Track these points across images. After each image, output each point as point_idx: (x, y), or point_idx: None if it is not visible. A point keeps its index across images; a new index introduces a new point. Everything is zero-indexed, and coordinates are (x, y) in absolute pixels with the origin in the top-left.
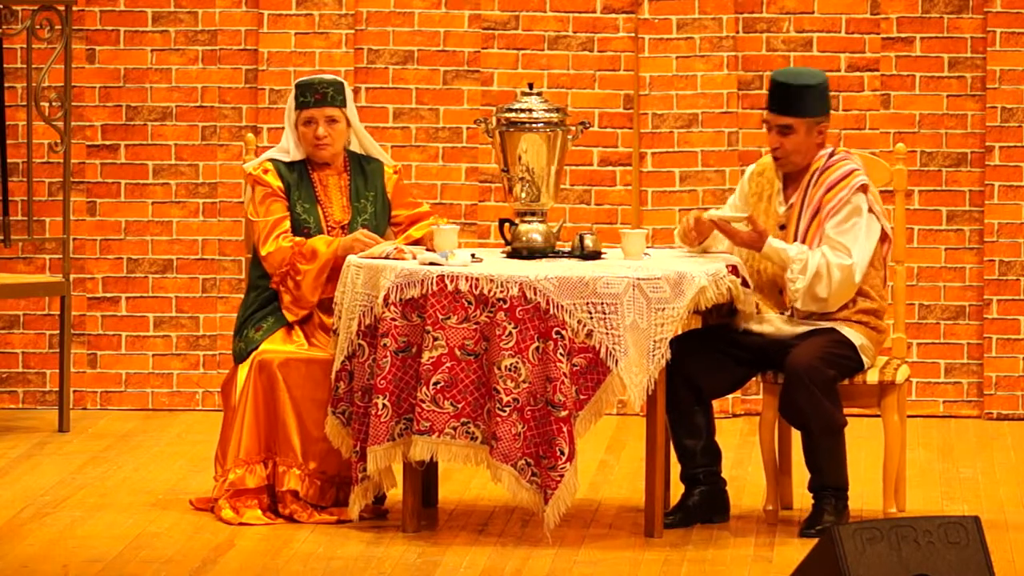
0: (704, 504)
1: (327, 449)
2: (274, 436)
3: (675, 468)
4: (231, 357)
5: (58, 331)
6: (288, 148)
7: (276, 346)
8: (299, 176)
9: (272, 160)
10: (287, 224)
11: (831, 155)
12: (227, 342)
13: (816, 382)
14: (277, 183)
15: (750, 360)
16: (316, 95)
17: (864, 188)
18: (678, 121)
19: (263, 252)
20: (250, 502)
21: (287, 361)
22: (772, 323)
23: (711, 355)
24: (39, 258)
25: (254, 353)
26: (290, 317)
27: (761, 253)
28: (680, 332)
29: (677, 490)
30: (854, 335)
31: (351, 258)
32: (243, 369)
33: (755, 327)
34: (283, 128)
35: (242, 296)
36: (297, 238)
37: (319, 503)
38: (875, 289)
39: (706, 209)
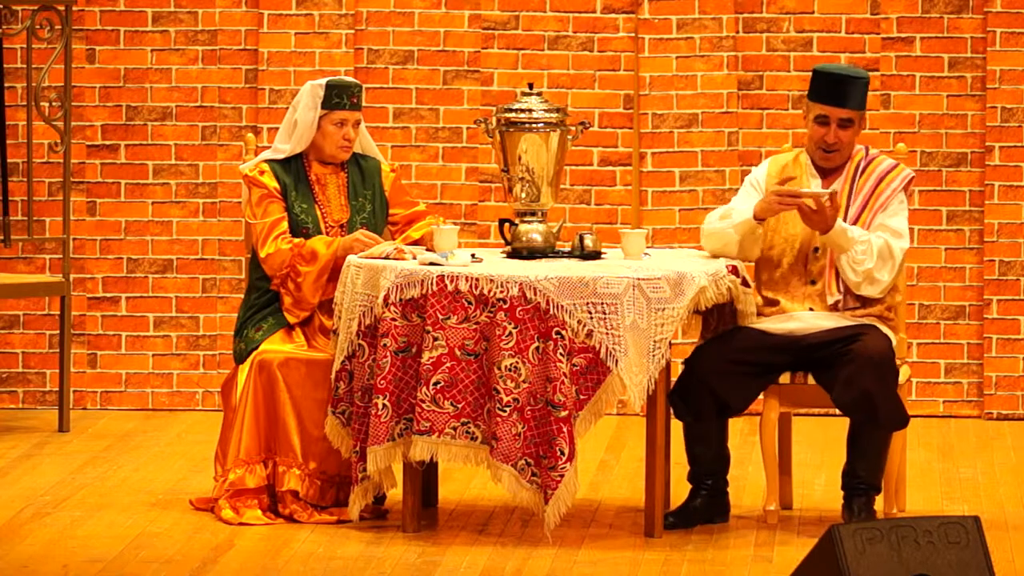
0: (706, 507)
1: (327, 449)
2: (274, 436)
3: (676, 468)
4: (231, 357)
5: (58, 331)
6: (285, 147)
7: (276, 346)
8: (296, 175)
9: (268, 161)
10: (285, 225)
11: (868, 149)
12: (227, 342)
13: (890, 371)
14: (273, 184)
15: (776, 364)
16: (352, 98)
17: (910, 183)
18: (678, 121)
19: (262, 254)
20: (250, 502)
21: (287, 361)
22: (802, 319)
23: (738, 368)
24: (39, 258)
25: (254, 353)
26: (291, 319)
27: (826, 235)
28: (693, 336)
29: (677, 490)
30: (891, 334)
31: (351, 258)
32: (243, 369)
33: (778, 326)
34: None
35: (242, 296)
36: (296, 239)
37: (319, 503)
38: (900, 284)
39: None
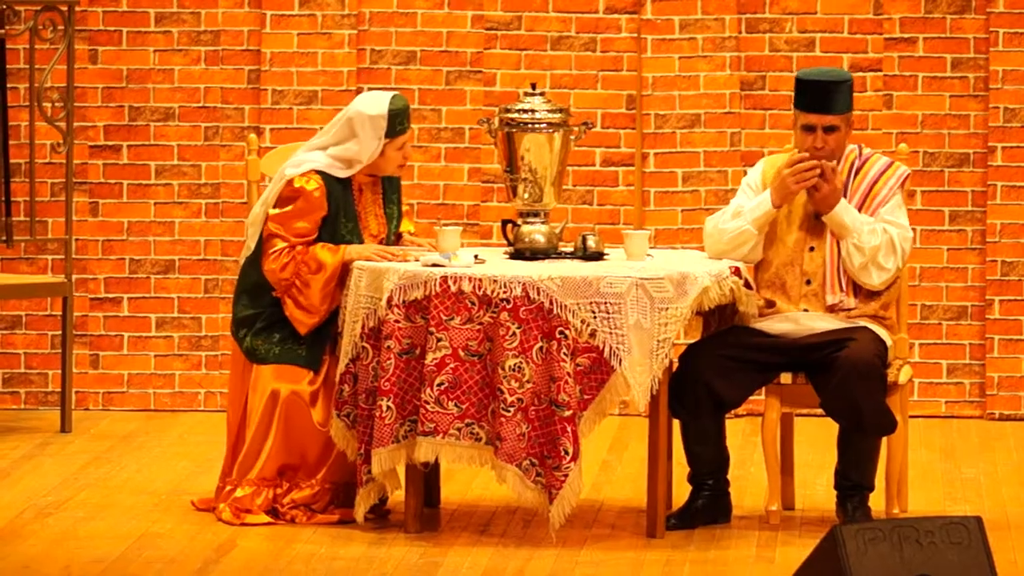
0: (708, 508)
1: (339, 457)
2: (295, 463)
3: (678, 469)
4: (233, 357)
5: (60, 332)
6: (353, 160)
7: (294, 385)
8: (344, 192)
9: (323, 175)
10: (302, 249)
11: (861, 148)
12: (229, 342)
13: (876, 379)
14: (323, 206)
15: (770, 364)
16: (409, 119)
17: (907, 180)
18: (680, 121)
19: (266, 267)
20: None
21: (310, 395)
22: (796, 320)
23: (732, 364)
24: (41, 259)
25: (279, 389)
26: (299, 327)
27: (829, 214)
28: (694, 337)
29: (679, 490)
30: (884, 334)
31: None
32: (258, 392)
33: (775, 327)
34: (286, 128)
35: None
36: (298, 247)
37: (326, 510)
38: (901, 281)
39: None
